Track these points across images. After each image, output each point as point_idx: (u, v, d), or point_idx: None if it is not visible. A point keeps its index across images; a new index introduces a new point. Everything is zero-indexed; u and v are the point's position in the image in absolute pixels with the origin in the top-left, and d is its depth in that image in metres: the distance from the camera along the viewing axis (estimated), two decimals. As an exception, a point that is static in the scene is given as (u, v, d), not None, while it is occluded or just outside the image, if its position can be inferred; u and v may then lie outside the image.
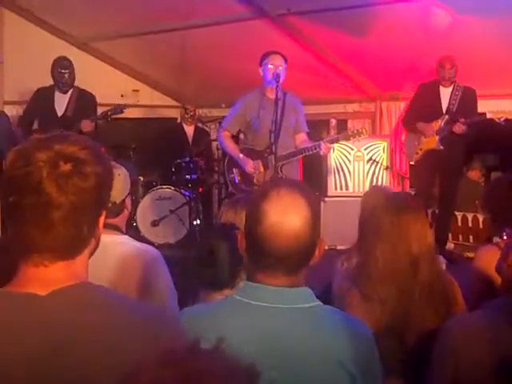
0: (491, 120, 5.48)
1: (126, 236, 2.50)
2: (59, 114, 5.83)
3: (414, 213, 2.27)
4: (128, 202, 2.54)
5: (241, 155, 4.96)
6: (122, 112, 5.76)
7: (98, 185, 1.17)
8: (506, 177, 2.71)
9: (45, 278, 1.16)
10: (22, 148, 1.17)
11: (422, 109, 5.71)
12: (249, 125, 4.94)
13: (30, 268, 1.17)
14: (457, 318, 1.92)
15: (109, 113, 5.71)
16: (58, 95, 5.87)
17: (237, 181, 5.04)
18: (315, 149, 4.74)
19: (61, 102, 5.86)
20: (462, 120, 5.44)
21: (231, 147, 5.08)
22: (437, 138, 5.66)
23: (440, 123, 5.64)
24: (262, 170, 4.90)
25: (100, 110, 6.06)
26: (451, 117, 5.57)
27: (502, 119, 5.36)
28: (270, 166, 4.74)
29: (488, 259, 2.51)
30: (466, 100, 5.62)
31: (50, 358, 1.08)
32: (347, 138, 4.83)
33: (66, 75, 5.79)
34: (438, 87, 5.70)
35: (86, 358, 1.09)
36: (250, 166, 4.90)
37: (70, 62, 5.84)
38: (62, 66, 5.78)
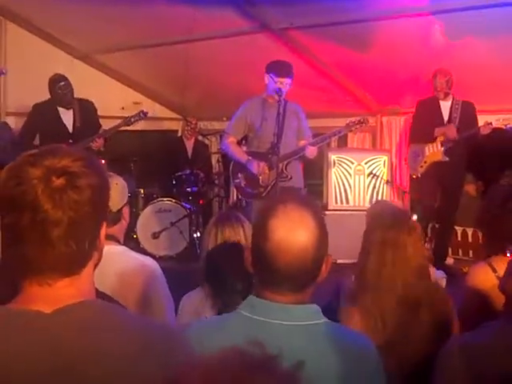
0: (474, 135, 5.51)
1: (124, 246, 2.48)
2: (69, 128, 5.84)
3: (409, 230, 2.26)
4: (126, 211, 2.50)
5: (249, 157, 5.03)
6: (144, 117, 5.72)
7: (94, 197, 1.13)
8: (500, 192, 2.67)
9: (49, 295, 1.13)
10: (13, 166, 1.12)
11: (426, 122, 5.76)
12: (251, 129, 5.01)
13: (34, 287, 1.13)
14: (458, 338, 1.89)
15: (132, 119, 5.68)
16: (62, 111, 5.87)
17: (243, 185, 5.08)
18: (335, 135, 5.28)
19: (67, 117, 5.87)
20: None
21: (237, 152, 5.14)
22: (442, 149, 5.70)
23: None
24: (267, 171, 4.97)
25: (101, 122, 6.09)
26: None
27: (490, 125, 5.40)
28: (275, 167, 4.79)
29: (481, 278, 2.51)
30: (467, 114, 5.69)
31: (50, 376, 1.06)
32: (350, 129, 5.36)
33: (69, 93, 5.81)
34: (438, 101, 5.77)
35: (90, 377, 1.07)
36: (255, 167, 4.98)
37: (65, 77, 5.83)
38: (61, 85, 5.76)
